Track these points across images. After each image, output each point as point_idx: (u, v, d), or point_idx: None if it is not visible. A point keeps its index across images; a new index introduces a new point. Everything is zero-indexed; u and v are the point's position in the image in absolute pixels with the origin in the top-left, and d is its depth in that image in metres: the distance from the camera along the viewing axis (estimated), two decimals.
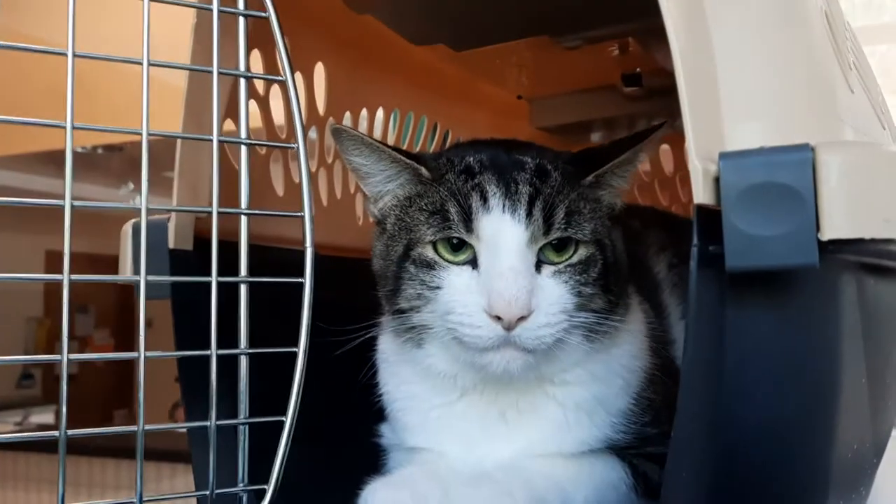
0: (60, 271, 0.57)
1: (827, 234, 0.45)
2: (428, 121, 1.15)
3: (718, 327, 0.50)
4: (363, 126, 1.03)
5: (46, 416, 3.93)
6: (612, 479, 0.73)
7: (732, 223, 0.47)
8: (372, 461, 0.82)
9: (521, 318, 0.64)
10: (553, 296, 0.66)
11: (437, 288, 0.67)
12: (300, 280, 0.66)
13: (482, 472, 0.70)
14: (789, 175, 0.46)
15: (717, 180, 0.48)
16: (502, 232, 0.66)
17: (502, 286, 0.63)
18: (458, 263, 0.67)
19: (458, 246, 0.68)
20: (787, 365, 0.51)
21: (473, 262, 0.67)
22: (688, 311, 0.49)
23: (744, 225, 0.47)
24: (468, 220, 0.66)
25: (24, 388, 4.46)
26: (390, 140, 1.11)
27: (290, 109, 0.66)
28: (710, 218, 0.48)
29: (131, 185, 3.41)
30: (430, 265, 0.68)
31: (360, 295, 0.78)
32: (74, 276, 0.58)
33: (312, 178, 0.95)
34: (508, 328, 0.64)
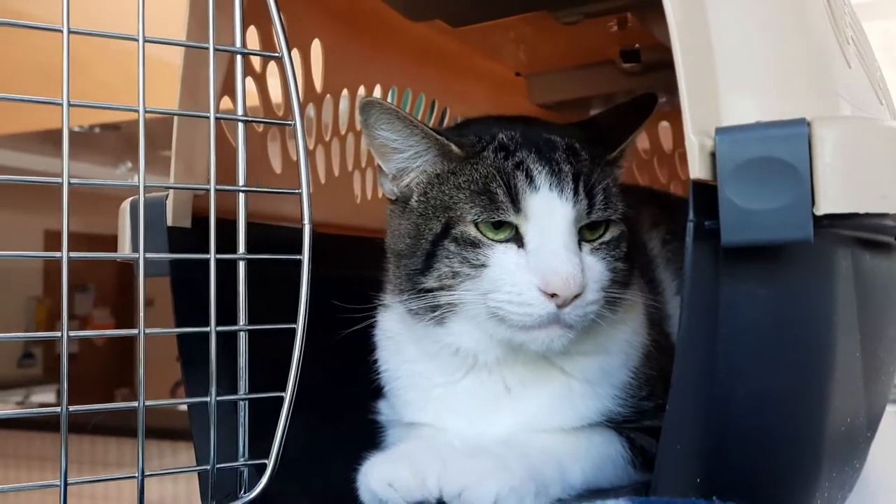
0: (59, 250, 0.57)
1: (822, 208, 0.46)
2: (426, 98, 1.15)
3: (713, 301, 0.50)
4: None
5: (48, 396, 3.95)
6: (610, 452, 0.74)
7: (728, 198, 0.47)
8: (374, 437, 0.83)
9: (575, 297, 0.64)
10: (596, 272, 0.67)
11: (482, 266, 0.67)
12: (298, 257, 0.66)
13: (481, 446, 0.70)
14: (785, 150, 0.46)
15: (713, 155, 0.48)
16: (551, 211, 0.66)
17: (558, 264, 0.64)
18: (500, 241, 0.67)
19: (499, 224, 0.68)
20: (782, 338, 0.52)
21: (516, 241, 0.67)
22: (683, 286, 0.49)
23: (739, 200, 0.47)
24: (515, 200, 0.66)
25: (25, 367, 4.49)
26: None
27: (287, 86, 0.66)
28: (706, 193, 0.48)
29: (129, 164, 3.40)
30: (473, 243, 0.68)
31: (358, 272, 0.79)
32: (73, 254, 0.58)
33: (310, 155, 0.95)
34: (561, 305, 0.64)
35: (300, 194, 0.66)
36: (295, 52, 0.89)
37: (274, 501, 0.66)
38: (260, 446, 0.65)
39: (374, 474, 0.67)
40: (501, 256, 0.67)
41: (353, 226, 1.02)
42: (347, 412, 0.86)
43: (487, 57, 1.18)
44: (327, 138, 0.99)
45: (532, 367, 0.73)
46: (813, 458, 0.53)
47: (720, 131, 0.48)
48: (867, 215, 0.46)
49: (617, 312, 0.71)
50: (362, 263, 0.80)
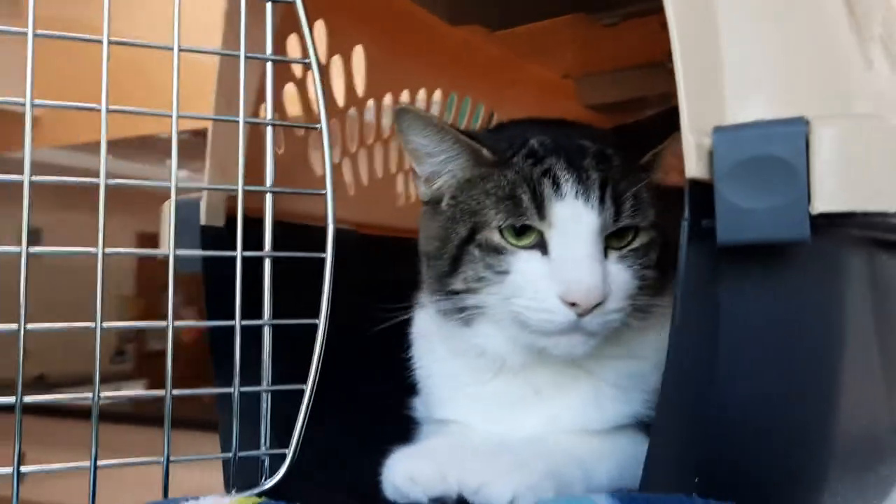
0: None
1: (818, 206, 0.45)
2: (472, 101, 1.16)
3: (711, 302, 0.50)
4: None
5: (137, 390, 4.12)
6: (638, 454, 0.73)
7: (724, 197, 0.47)
8: (406, 433, 0.84)
9: (597, 306, 0.64)
10: (620, 281, 0.67)
11: (505, 272, 0.68)
12: (322, 255, 0.68)
13: (504, 445, 0.71)
14: (782, 148, 0.46)
15: (710, 154, 0.48)
16: (577, 219, 0.66)
17: (580, 274, 0.64)
18: (524, 248, 0.68)
19: (523, 230, 0.68)
20: (785, 341, 0.51)
21: (540, 247, 0.67)
22: (676, 286, 0.49)
23: (736, 198, 0.47)
24: (540, 207, 0.66)
25: (117, 363, 4.71)
26: None
27: (315, 91, 0.68)
28: (703, 192, 0.48)
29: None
30: (497, 250, 0.68)
31: (399, 272, 0.80)
32: (109, 250, 0.62)
33: (352, 158, 0.98)
34: (582, 314, 0.64)
35: (325, 195, 0.69)
36: (336, 59, 0.91)
37: (294, 491, 0.68)
38: (305, 439, 0.68)
39: (397, 468, 0.68)
40: (524, 264, 0.67)
41: (394, 227, 1.04)
42: (384, 409, 0.87)
43: (534, 60, 1.19)
44: (370, 141, 1.01)
45: (560, 370, 0.73)
46: (818, 464, 0.52)
47: (718, 130, 0.48)
48: (867, 214, 0.45)
49: (647, 319, 0.70)
50: (403, 264, 0.81)
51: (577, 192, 0.66)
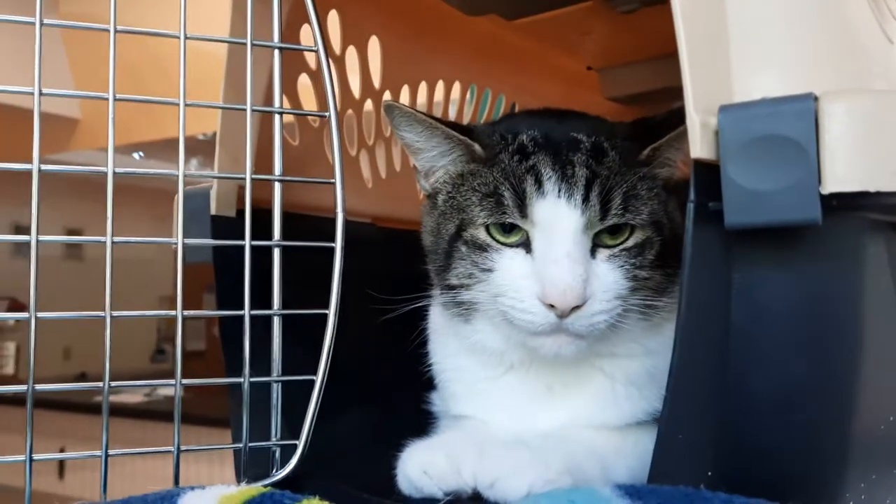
0: None
1: (829, 186, 0.43)
2: (492, 93, 1.15)
3: (721, 288, 0.48)
4: (422, 98, 1.04)
5: (173, 390, 4.18)
6: None
7: (731, 178, 0.45)
8: (423, 428, 0.84)
9: (576, 307, 0.63)
10: (608, 282, 0.65)
11: (489, 270, 0.67)
12: (331, 244, 0.68)
13: (520, 439, 0.70)
14: (790, 126, 0.44)
15: (717, 134, 0.46)
16: (558, 217, 0.65)
17: (557, 275, 0.62)
18: (510, 245, 0.67)
19: (510, 228, 0.67)
20: (801, 326, 0.49)
21: (526, 245, 0.66)
22: (682, 271, 0.47)
23: (743, 180, 0.45)
24: (522, 205, 0.65)
25: (157, 362, 4.81)
26: (452, 113, 1.12)
27: (323, 78, 0.68)
28: (709, 173, 0.46)
29: None
30: (482, 247, 0.68)
31: (419, 267, 0.80)
32: (118, 238, 0.62)
33: (369, 151, 0.98)
34: (561, 316, 0.63)
35: (334, 184, 0.68)
36: (351, 50, 0.91)
37: (306, 483, 0.67)
38: (319, 431, 0.68)
39: (411, 461, 0.68)
40: (508, 262, 0.66)
41: (415, 220, 1.03)
42: (406, 402, 0.87)
43: (555, 51, 1.17)
44: (387, 133, 1.01)
45: (572, 368, 0.72)
46: (839, 456, 0.50)
47: (724, 109, 0.46)
48: (882, 195, 0.43)
49: (652, 318, 0.69)
50: (423, 258, 0.81)
51: (559, 189, 0.65)
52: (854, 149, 0.43)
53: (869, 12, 0.52)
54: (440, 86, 1.06)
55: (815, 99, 0.44)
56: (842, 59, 0.49)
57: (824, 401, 0.49)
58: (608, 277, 0.65)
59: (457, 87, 1.09)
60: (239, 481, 0.67)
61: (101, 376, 0.62)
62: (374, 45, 0.95)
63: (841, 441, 0.50)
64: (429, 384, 0.84)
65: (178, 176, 0.64)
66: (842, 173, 0.43)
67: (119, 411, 3.28)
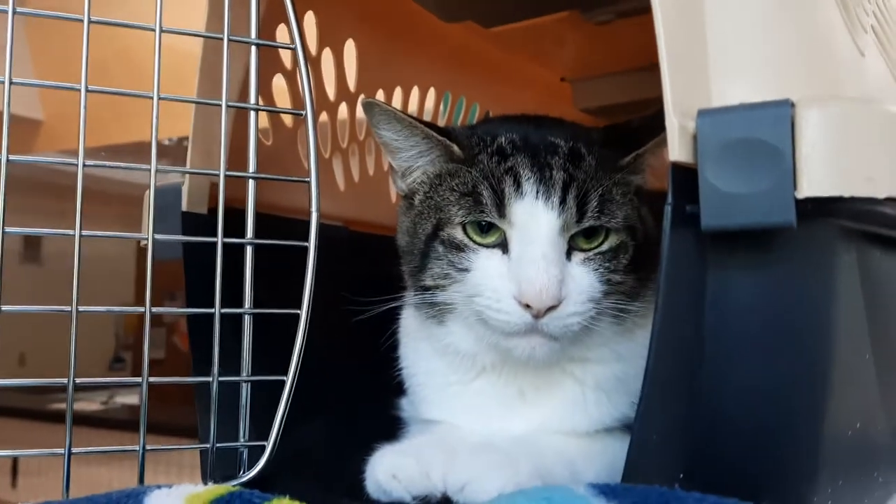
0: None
1: (804, 191, 0.44)
2: (467, 101, 1.15)
3: (696, 290, 0.48)
4: (397, 104, 1.04)
5: (132, 397, 4.10)
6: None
7: (709, 181, 0.46)
8: (393, 433, 0.83)
9: (551, 308, 0.63)
10: (583, 284, 0.65)
11: (466, 270, 0.67)
12: (304, 244, 0.67)
13: (490, 443, 0.70)
14: (767, 131, 0.45)
15: (695, 138, 0.47)
16: (535, 218, 0.65)
17: (533, 275, 0.63)
18: (487, 246, 0.67)
19: (488, 228, 0.67)
20: (772, 332, 0.49)
21: (503, 246, 0.67)
22: (659, 274, 0.47)
23: (720, 183, 0.46)
24: (500, 205, 0.66)
25: (115, 370, 4.71)
26: (426, 119, 1.12)
27: (300, 77, 0.68)
28: (687, 176, 0.47)
29: None
30: (459, 247, 0.68)
31: (391, 271, 0.79)
32: (86, 232, 0.61)
33: (343, 154, 0.97)
34: (537, 316, 0.64)
35: (308, 183, 0.68)
36: (327, 52, 0.91)
37: (273, 484, 0.66)
38: (288, 433, 0.67)
39: (381, 465, 0.67)
40: (485, 262, 0.67)
41: (387, 225, 1.03)
42: (374, 408, 0.86)
43: (531, 61, 1.18)
44: (361, 137, 1.00)
45: (544, 372, 0.72)
46: (807, 464, 0.50)
47: (702, 113, 0.46)
48: (856, 200, 0.44)
49: (625, 323, 0.69)
50: (396, 262, 0.80)
51: (537, 191, 0.65)
52: (829, 154, 0.43)
53: (842, 25, 0.53)
54: (415, 92, 1.06)
55: (792, 105, 0.44)
56: (817, 68, 0.50)
57: (794, 405, 0.50)
58: (583, 280, 0.65)
59: (431, 93, 1.09)
60: (206, 483, 0.65)
61: (61, 384, 0.60)
62: (349, 48, 0.94)
63: (810, 445, 0.50)
64: (399, 389, 0.84)
65: (149, 170, 0.63)
66: (817, 178, 0.43)
67: (76, 419, 3.21)
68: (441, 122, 1.13)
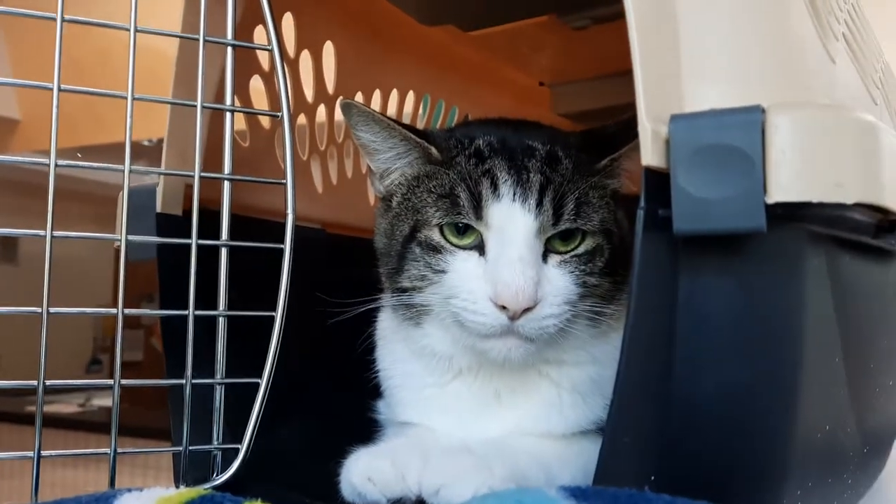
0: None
1: (774, 196, 0.44)
2: (446, 104, 1.16)
3: (669, 293, 0.49)
4: (376, 106, 1.04)
5: (109, 399, 4.06)
6: None
7: (681, 185, 0.46)
8: (370, 434, 0.83)
9: (527, 309, 0.63)
10: (558, 286, 0.66)
11: (442, 272, 0.68)
12: (280, 246, 0.67)
13: (465, 446, 0.70)
14: (738, 136, 0.45)
15: (667, 143, 0.47)
16: (512, 221, 0.65)
17: (510, 276, 0.63)
18: (464, 248, 0.67)
19: (465, 230, 0.67)
20: (743, 335, 0.50)
21: (480, 248, 0.67)
22: (631, 277, 0.48)
23: (692, 188, 0.46)
24: (478, 207, 0.66)
25: (92, 372, 4.67)
26: (405, 122, 1.12)
27: (276, 78, 0.67)
28: (659, 181, 0.47)
29: None
30: (435, 248, 0.68)
31: (369, 273, 0.79)
32: (57, 233, 0.60)
33: (321, 156, 0.97)
34: (513, 318, 0.64)
35: (285, 185, 0.67)
36: (305, 54, 0.91)
37: (247, 487, 0.66)
38: (263, 436, 0.67)
39: (356, 468, 0.67)
40: (461, 264, 0.67)
41: (366, 227, 1.03)
42: (352, 411, 0.86)
43: (510, 66, 1.19)
44: (339, 140, 1.00)
45: (520, 375, 0.72)
46: (778, 462, 0.51)
47: (675, 118, 0.47)
48: (825, 206, 0.45)
49: (600, 325, 0.70)
50: (374, 265, 0.80)
51: (514, 193, 0.65)
52: (798, 160, 0.44)
53: (814, 33, 0.54)
54: (394, 94, 1.06)
55: (763, 111, 0.45)
56: (788, 74, 0.50)
57: (764, 407, 0.50)
58: (559, 282, 0.66)
59: (411, 96, 1.09)
60: (178, 486, 0.65)
61: (31, 386, 0.60)
62: (328, 51, 0.94)
63: (780, 448, 0.51)
64: (375, 391, 0.84)
65: (122, 171, 0.63)
66: (786, 183, 0.44)
67: (52, 422, 3.18)
68: (420, 125, 1.13)
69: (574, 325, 0.67)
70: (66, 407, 3.74)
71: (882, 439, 0.73)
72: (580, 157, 0.69)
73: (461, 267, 0.67)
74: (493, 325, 0.64)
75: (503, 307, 0.63)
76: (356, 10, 0.95)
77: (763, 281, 0.49)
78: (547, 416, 0.72)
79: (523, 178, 0.66)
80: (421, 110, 1.13)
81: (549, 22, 0.94)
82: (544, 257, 0.66)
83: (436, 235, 0.68)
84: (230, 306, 0.67)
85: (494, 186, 0.66)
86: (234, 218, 0.69)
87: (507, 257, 0.64)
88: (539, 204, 0.65)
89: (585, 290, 0.67)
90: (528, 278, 0.63)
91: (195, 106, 0.65)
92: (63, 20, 0.61)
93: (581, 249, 0.67)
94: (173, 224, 0.70)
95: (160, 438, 0.88)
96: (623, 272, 0.70)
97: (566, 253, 0.67)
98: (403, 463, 0.65)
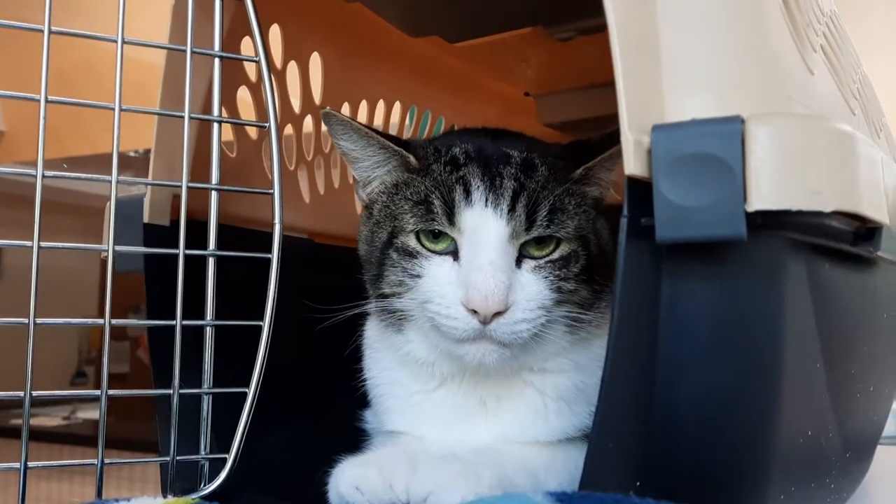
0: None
1: (753, 204, 0.45)
2: (432, 114, 1.16)
3: (652, 300, 0.49)
4: (362, 117, 1.04)
5: (94, 412, 4.03)
6: None
7: (663, 194, 0.47)
8: (358, 443, 0.83)
9: (498, 314, 0.64)
10: (531, 291, 0.67)
11: (418, 276, 0.69)
12: (267, 256, 0.67)
13: (453, 453, 0.70)
14: (718, 146, 0.46)
15: (649, 152, 0.48)
16: (484, 226, 0.66)
17: (480, 281, 0.64)
18: (438, 253, 0.68)
19: (439, 235, 0.68)
20: (725, 341, 0.50)
21: (454, 253, 0.68)
22: (614, 285, 0.48)
23: (674, 196, 0.47)
24: (451, 213, 0.67)
25: (77, 385, 4.63)
26: (392, 133, 1.12)
27: (263, 89, 0.68)
28: (642, 190, 0.48)
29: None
30: (411, 254, 0.69)
31: (357, 283, 0.79)
32: (44, 244, 0.61)
33: (308, 166, 0.97)
34: (484, 322, 0.65)
35: (272, 195, 0.68)
36: (293, 65, 0.91)
37: (234, 497, 0.66)
38: (251, 445, 0.67)
39: (343, 477, 0.67)
40: (436, 269, 0.68)
41: (353, 237, 1.03)
42: (339, 420, 0.86)
43: (496, 76, 1.19)
44: (326, 150, 1.01)
45: (504, 382, 0.73)
46: (760, 467, 0.52)
47: (656, 128, 0.48)
48: (802, 213, 0.45)
49: (579, 332, 0.71)
50: (361, 273, 0.81)
51: (486, 199, 0.66)
52: (777, 169, 0.45)
53: (792, 44, 0.55)
54: (381, 105, 1.07)
55: (742, 121, 0.45)
56: (767, 85, 0.51)
57: (746, 413, 0.51)
58: (532, 287, 0.66)
59: (397, 107, 1.10)
60: (165, 496, 0.65)
61: (16, 399, 0.59)
62: (315, 62, 0.95)
63: (763, 452, 0.51)
64: (362, 400, 0.84)
65: (110, 182, 0.63)
66: (766, 192, 0.45)
67: (37, 435, 3.16)
68: (407, 136, 1.13)
69: (550, 330, 0.67)
70: (51, 420, 3.71)
71: (864, 444, 0.74)
72: (557, 164, 0.70)
73: (436, 272, 0.68)
74: (465, 330, 0.65)
75: (474, 311, 0.64)
76: (343, 22, 0.96)
77: (744, 288, 0.50)
78: (533, 423, 0.73)
79: (496, 184, 0.67)
80: (408, 121, 1.14)
81: (534, 33, 0.95)
82: (519, 262, 0.67)
83: (412, 241, 0.69)
84: (218, 316, 0.68)
85: (467, 192, 0.67)
86: (221, 228, 0.69)
87: (478, 262, 0.65)
88: (511, 210, 0.66)
89: (561, 296, 0.68)
90: (498, 282, 0.63)
91: (182, 117, 0.65)
92: (50, 32, 0.61)
93: (555, 255, 0.68)
94: (161, 234, 0.71)
95: (146, 451, 0.88)
96: (602, 280, 0.71)
97: (540, 258, 0.68)
98: (391, 471, 0.66)
